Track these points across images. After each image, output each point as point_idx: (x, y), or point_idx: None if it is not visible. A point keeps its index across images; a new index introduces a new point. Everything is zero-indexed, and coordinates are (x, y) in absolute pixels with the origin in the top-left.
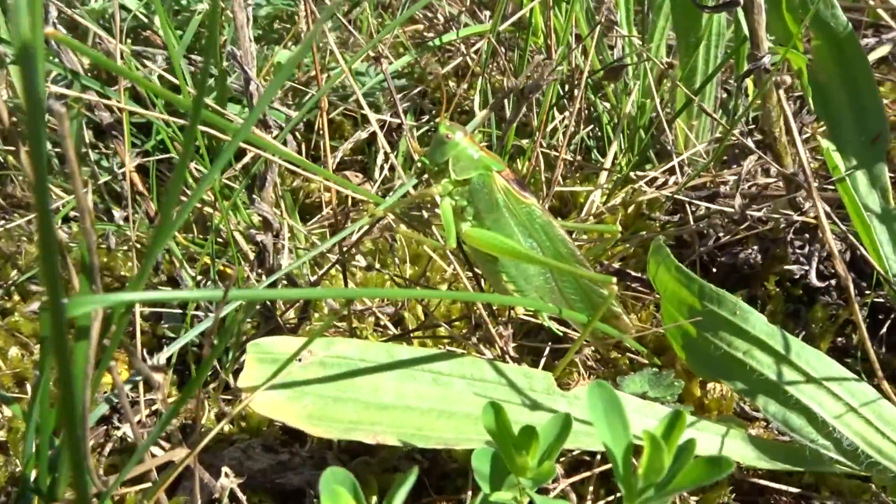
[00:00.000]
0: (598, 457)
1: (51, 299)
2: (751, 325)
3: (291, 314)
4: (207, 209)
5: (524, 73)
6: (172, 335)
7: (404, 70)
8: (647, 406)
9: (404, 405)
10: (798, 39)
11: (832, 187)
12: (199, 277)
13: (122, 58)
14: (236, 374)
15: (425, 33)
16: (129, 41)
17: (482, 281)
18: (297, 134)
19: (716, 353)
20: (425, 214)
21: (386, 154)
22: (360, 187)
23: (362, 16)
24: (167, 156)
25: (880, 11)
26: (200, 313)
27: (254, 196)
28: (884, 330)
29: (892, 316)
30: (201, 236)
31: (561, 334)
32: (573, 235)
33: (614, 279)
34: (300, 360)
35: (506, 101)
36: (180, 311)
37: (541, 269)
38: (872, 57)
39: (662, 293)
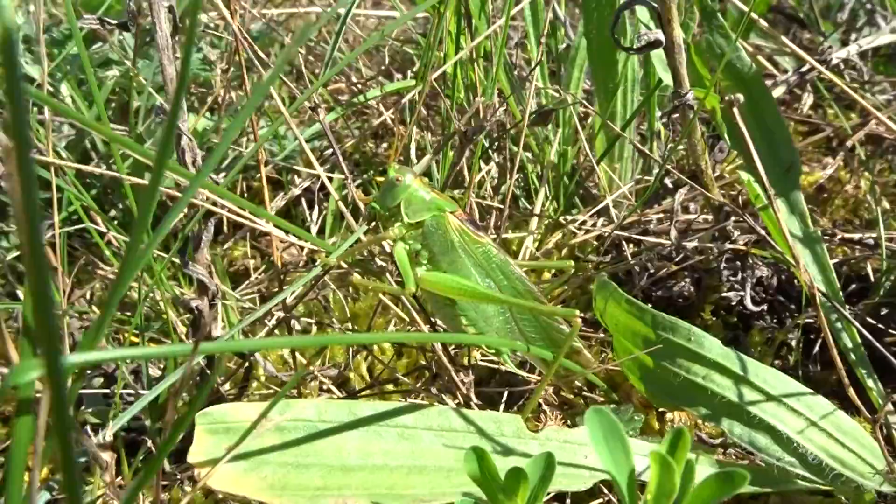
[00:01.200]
0: (569, 500)
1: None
2: (706, 349)
3: (228, 387)
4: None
5: (466, 115)
6: (96, 420)
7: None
8: None
9: (371, 465)
10: (709, 81)
11: (753, 217)
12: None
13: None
14: (172, 457)
15: (339, 97)
16: (35, 110)
17: (437, 329)
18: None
19: (675, 380)
20: (377, 262)
21: (321, 208)
22: (312, 236)
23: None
24: (78, 227)
25: (760, 59)
26: (128, 392)
27: (186, 259)
28: (816, 349)
29: (822, 335)
30: (119, 313)
31: (525, 376)
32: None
33: (577, 312)
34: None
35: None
36: (105, 391)
37: (500, 309)
38: None
39: (614, 328)
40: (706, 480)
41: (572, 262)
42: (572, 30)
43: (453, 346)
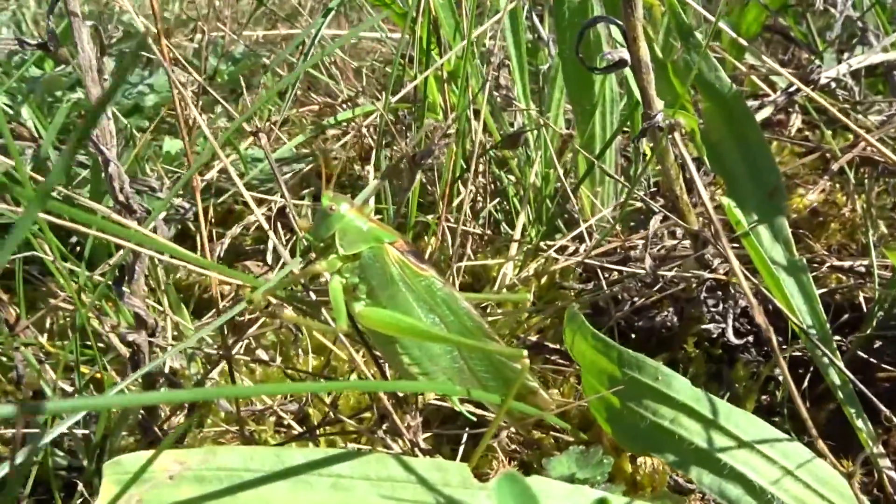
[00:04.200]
0: None
1: None
2: (675, 390)
3: (179, 419)
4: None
5: (415, 138)
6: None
7: (301, 153)
8: (576, 492)
9: None
10: (687, 101)
11: (737, 245)
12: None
13: None
14: None
15: (318, 117)
16: None
17: (386, 366)
18: (190, 225)
19: (642, 423)
20: (313, 296)
21: (283, 237)
22: (234, 271)
23: (260, 105)
24: (30, 253)
25: (755, 79)
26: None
27: (122, 290)
28: (805, 384)
29: (811, 368)
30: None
31: (475, 419)
32: (487, 309)
33: (525, 352)
34: (171, 476)
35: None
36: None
37: (447, 348)
38: (757, 118)
39: (581, 363)
40: None
41: (529, 296)
42: (556, 48)
43: None
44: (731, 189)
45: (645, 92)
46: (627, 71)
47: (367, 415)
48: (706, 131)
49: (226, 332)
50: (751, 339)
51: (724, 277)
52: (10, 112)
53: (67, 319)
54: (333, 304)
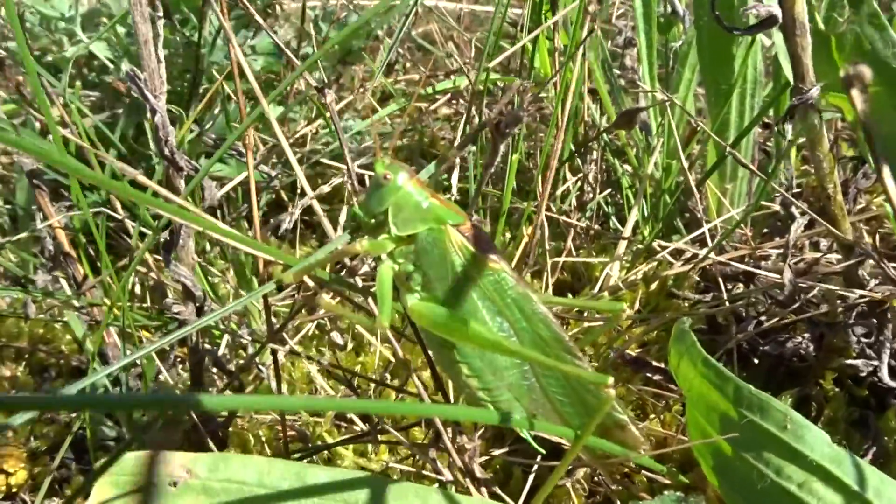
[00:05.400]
0: None
1: None
2: (808, 445)
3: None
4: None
5: (500, 103)
6: None
7: (396, 120)
8: None
9: None
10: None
11: None
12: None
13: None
14: None
15: (415, 87)
16: (78, 85)
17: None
18: (283, 194)
19: (760, 482)
20: (360, 282)
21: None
22: (267, 245)
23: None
24: (97, 211)
25: None
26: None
27: (169, 258)
28: None
29: None
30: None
31: (543, 452)
32: (584, 314)
33: (610, 379)
34: (174, 483)
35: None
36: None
37: (515, 360)
38: None
39: (687, 393)
40: None
41: (624, 306)
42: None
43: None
44: None
45: (798, 60)
46: (776, 47)
47: (400, 436)
48: (874, 123)
49: (272, 318)
50: None
51: (882, 300)
52: (112, 66)
53: (147, 282)
54: (378, 293)
